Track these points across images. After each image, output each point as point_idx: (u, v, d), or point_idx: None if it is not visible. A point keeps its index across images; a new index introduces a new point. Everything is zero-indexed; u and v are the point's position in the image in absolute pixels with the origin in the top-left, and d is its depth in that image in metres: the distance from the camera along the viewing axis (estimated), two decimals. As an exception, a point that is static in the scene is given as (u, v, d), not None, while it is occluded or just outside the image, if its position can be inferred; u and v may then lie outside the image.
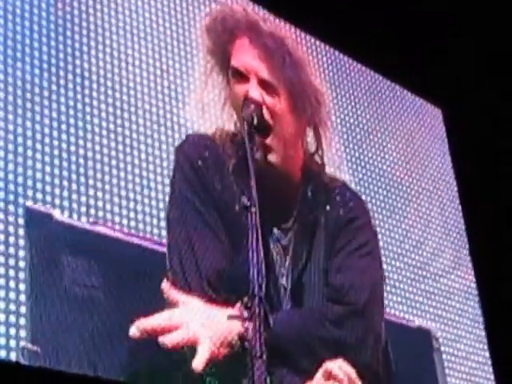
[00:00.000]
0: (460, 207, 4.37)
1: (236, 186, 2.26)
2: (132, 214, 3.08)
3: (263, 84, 2.21)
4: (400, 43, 4.16)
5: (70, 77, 3.06)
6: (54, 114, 3.01)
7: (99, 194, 3.00)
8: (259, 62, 2.20)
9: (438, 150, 4.43)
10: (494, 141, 4.44)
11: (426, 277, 4.09)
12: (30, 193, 2.81)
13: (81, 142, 3.04)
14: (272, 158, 2.24)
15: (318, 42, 4.03)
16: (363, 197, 2.78)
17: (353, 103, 4.10)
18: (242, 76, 2.24)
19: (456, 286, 4.22)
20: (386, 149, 4.20)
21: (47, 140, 2.95)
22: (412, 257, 4.06)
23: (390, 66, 4.24)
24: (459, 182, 4.38)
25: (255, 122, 2.16)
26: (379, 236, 2.64)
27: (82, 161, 3.01)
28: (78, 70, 3.11)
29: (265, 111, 2.20)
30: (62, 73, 3.05)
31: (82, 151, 3.03)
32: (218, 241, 2.24)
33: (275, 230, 2.33)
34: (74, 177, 2.95)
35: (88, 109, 3.11)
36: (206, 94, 2.36)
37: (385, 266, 2.83)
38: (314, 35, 3.99)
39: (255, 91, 2.20)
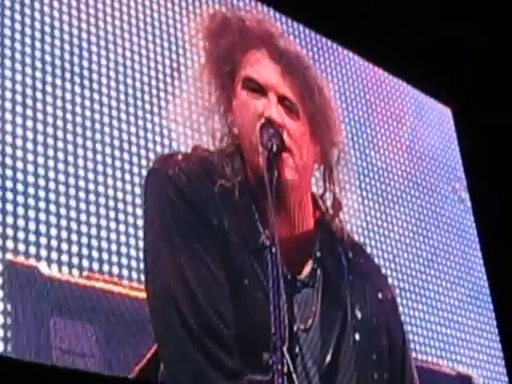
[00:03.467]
0: (471, 208, 4.26)
1: (236, 217, 2.00)
2: (134, 263, 2.69)
3: (283, 102, 2.03)
4: (409, 41, 4.10)
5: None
6: (40, 148, 2.62)
7: (94, 242, 2.61)
8: (280, 79, 2.03)
9: (447, 149, 4.35)
10: (504, 140, 4.34)
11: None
12: (9, 244, 2.43)
13: (71, 179, 2.63)
14: (288, 174, 2.00)
15: (324, 40, 3.91)
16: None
17: (360, 101, 3.95)
18: (258, 88, 2.04)
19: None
20: (396, 149, 4.03)
21: (30, 179, 2.55)
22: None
23: (399, 64, 4.18)
24: (469, 181, 4.33)
25: (274, 148, 1.95)
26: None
27: (72, 203, 2.62)
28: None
29: (285, 136, 2.00)
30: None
31: (72, 191, 2.63)
32: (217, 284, 1.95)
33: (289, 276, 2.05)
34: (63, 223, 2.57)
35: (80, 140, 2.73)
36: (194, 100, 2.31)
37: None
38: (320, 33, 3.90)
39: (275, 111, 2.01)
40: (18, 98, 2.63)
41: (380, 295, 2.17)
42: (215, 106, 2.11)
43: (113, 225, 2.69)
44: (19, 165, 2.55)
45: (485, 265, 4.14)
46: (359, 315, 2.09)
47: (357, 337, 2.06)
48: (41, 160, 2.61)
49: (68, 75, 2.77)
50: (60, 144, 2.67)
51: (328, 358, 2.02)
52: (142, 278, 2.65)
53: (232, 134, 2.10)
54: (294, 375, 1.87)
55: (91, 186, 2.68)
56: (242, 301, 1.96)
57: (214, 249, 1.97)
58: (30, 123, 2.62)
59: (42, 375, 2.13)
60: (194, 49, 3.12)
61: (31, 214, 2.51)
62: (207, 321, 1.91)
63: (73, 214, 2.61)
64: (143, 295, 2.56)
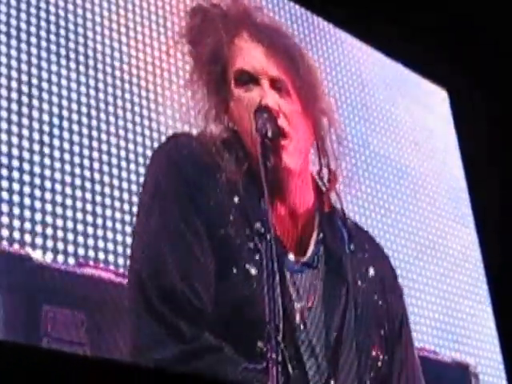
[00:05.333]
0: (467, 193, 4.22)
1: (228, 201, 1.99)
2: (129, 251, 2.62)
3: (275, 84, 2.03)
4: (405, 23, 4.07)
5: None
6: (36, 135, 2.60)
7: (89, 230, 2.58)
8: (266, 59, 2.02)
9: (443, 132, 4.31)
10: (501, 123, 4.32)
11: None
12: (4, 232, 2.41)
13: (67, 167, 2.59)
14: (288, 161, 1.99)
15: (318, 20, 3.84)
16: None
17: (354, 84, 3.90)
18: (250, 79, 2.03)
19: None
20: (390, 132, 3.99)
21: (26, 166, 2.51)
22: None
23: (394, 45, 4.15)
24: (466, 164, 4.29)
25: (269, 133, 1.94)
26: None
27: (68, 190, 2.59)
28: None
29: (280, 119, 1.99)
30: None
31: (68, 178, 2.60)
32: (203, 267, 1.94)
33: (291, 257, 2.05)
34: (59, 210, 2.54)
35: (76, 127, 2.70)
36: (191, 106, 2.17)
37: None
38: (316, 13, 3.85)
39: (269, 97, 2.00)
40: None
41: (378, 267, 2.18)
42: (209, 113, 2.09)
43: (108, 212, 2.67)
44: (14, 152, 2.53)
45: (482, 253, 4.12)
46: (361, 288, 2.10)
47: (358, 310, 2.07)
48: (36, 147, 2.58)
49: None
50: (55, 131, 2.65)
51: (332, 334, 2.02)
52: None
53: (231, 131, 2.10)
54: (289, 364, 1.86)
55: (87, 173, 2.67)
56: (231, 284, 1.95)
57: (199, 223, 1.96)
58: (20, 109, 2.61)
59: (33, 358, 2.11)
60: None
61: (26, 201, 2.49)
62: (172, 295, 1.91)
63: (68, 201, 2.58)
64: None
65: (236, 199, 2.00)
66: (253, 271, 1.93)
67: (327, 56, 3.79)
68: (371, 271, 2.14)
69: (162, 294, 1.91)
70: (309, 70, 2.06)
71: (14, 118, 2.56)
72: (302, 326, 2.00)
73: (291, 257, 2.06)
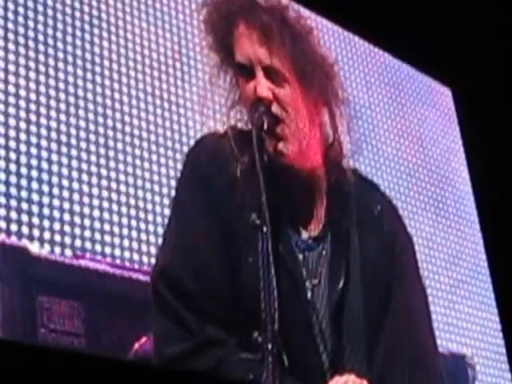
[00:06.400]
0: (471, 188, 4.25)
1: (243, 196, 1.99)
2: (126, 243, 2.69)
3: (269, 73, 2.00)
4: (409, 22, 4.04)
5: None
6: (33, 128, 2.62)
7: (86, 222, 2.61)
8: (259, 46, 1.99)
9: (447, 129, 4.32)
10: (505, 121, 4.29)
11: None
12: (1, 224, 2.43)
13: (64, 160, 2.61)
14: (284, 148, 2.00)
15: (324, 21, 3.85)
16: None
17: (360, 83, 3.92)
18: (248, 71, 2.02)
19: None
20: (396, 130, 4.01)
21: (23, 159, 2.52)
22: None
23: (398, 45, 4.15)
24: (469, 162, 4.30)
25: (265, 126, 1.94)
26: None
27: (65, 182, 2.61)
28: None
29: (275, 107, 1.98)
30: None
31: (65, 171, 2.62)
32: (218, 258, 1.98)
33: (304, 236, 2.05)
34: (56, 202, 2.57)
35: (73, 120, 2.73)
36: (210, 97, 2.13)
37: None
38: (320, 14, 3.80)
39: (263, 87, 1.98)
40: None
41: (387, 235, 2.15)
42: (228, 104, 2.11)
43: (105, 204, 2.69)
44: (12, 144, 2.55)
45: (484, 243, 4.14)
46: (364, 256, 2.09)
47: (362, 279, 2.07)
48: (34, 139, 2.60)
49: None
50: (53, 124, 2.67)
51: (336, 302, 2.02)
52: (135, 257, 2.69)
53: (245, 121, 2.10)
54: (284, 355, 1.80)
55: (84, 166, 2.69)
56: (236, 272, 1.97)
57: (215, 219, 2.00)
58: (22, 103, 2.63)
59: (29, 355, 2.12)
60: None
61: (23, 194, 2.51)
62: (184, 287, 1.95)
63: (65, 193, 2.61)
64: (135, 275, 2.61)
65: (241, 193, 2.00)
66: (250, 263, 1.94)
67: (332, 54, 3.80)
68: (375, 240, 2.12)
69: (173, 288, 1.95)
70: (309, 48, 2.02)
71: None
72: (312, 304, 2.01)
73: (304, 236, 2.07)
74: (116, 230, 2.68)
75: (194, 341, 1.92)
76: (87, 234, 2.61)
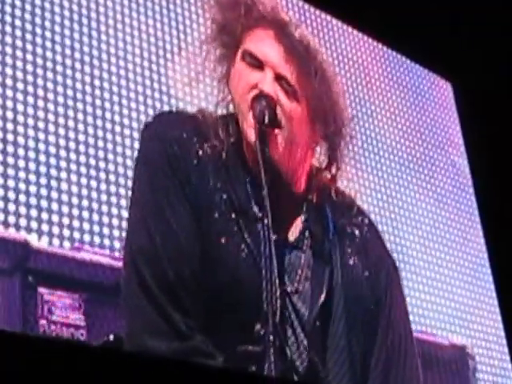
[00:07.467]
0: (471, 183, 4.27)
1: (220, 184, 1.97)
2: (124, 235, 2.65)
3: (280, 82, 1.99)
4: (409, 15, 4.07)
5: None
6: (30, 121, 2.62)
7: (85, 214, 2.60)
8: (281, 59, 1.99)
9: (447, 123, 4.34)
10: (505, 115, 4.29)
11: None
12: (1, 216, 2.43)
13: (62, 152, 2.61)
14: (275, 152, 1.97)
15: (322, 14, 3.89)
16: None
17: (360, 76, 3.94)
18: (256, 63, 2.01)
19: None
20: (396, 123, 4.02)
21: (21, 151, 2.52)
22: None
23: (398, 38, 4.16)
24: (470, 155, 4.34)
25: (266, 120, 1.94)
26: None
27: (64, 175, 2.61)
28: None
29: (278, 110, 1.97)
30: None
31: (63, 163, 2.61)
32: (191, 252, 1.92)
33: (280, 240, 2.00)
34: (54, 195, 2.57)
35: (71, 113, 2.72)
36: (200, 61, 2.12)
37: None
38: (322, 8, 3.89)
39: (269, 85, 1.98)
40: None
41: (365, 256, 2.12)
42: (213, 72, 2.08)
43: (104, 197, 2.69)
44: (9, 137, 2.55)
45: (484, 235, 4.14)
46: (345, 272, 2.06)
47: (344, 293, 2.04)
48: (31, 133, 2.60)
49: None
50: (51, 117, 2.67)
51: (316, 316, 1.99)
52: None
53: (228, 101, 2.08)
54: (287, 348, 1.85)
55: (82, 159, 2.68)
56: (219, 262, 1.93)
57: (186, 205, 1.94)
58: (20, 96, 2.62)
59: (29, 347, 2.10)
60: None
61: (22, 186, 2.51)
62: (166, 278, 1.89)
63: (64, 186, 2.61)
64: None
65: (222, 180, 1.98)
66: (243, 254, 1.92)
67: (334, 49, 3.82)
68: (354, 260, 2.10)
69: (155, 276, 1.89)
70: (327, 86, 2.02)
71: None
72: (290, 308, 1.98)
73: (277, 238, 1.99)
74: (115, 222, 2.68)
75: (182, 344, 1.87)
76: (86, 226, 2.60)
